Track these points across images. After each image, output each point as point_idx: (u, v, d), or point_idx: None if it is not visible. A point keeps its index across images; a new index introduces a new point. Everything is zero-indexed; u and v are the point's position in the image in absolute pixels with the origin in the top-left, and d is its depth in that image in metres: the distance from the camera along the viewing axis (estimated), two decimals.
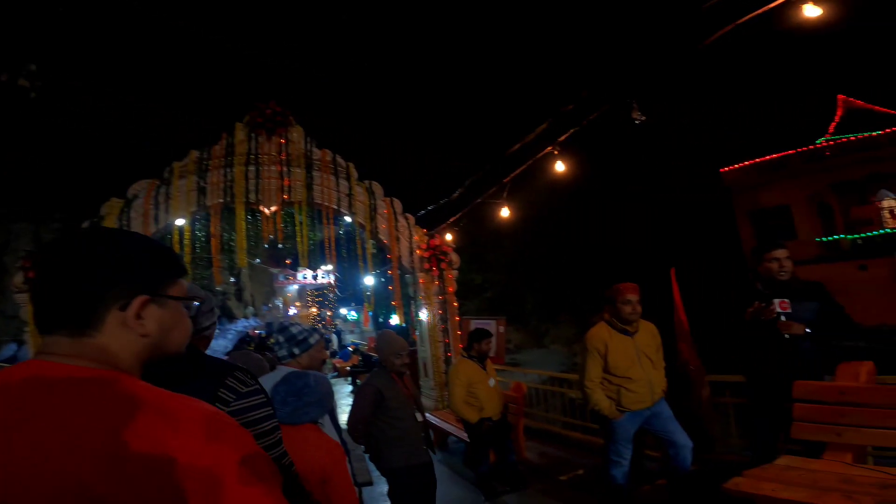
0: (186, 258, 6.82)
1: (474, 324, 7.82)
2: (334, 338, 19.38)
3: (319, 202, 7.27)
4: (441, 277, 7.75)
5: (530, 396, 6.13)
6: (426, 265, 7.64)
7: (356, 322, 30.43)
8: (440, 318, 7.70)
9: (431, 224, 8.12)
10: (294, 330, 2.33)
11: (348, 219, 7.73)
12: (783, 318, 2.93)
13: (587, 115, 5.66)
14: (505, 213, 7.35)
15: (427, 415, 6.25)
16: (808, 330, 2.91)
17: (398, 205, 7.77)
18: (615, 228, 21.23)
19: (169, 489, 0.66)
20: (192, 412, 0.72)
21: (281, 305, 25.29)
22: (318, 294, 29.51)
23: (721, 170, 21.07)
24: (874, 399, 2.69)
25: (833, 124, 20.22)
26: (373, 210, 7.51)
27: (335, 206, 7.35)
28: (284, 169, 7.09)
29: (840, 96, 20.54)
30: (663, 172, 21.98)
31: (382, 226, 7.61)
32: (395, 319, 20.39)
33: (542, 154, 6.30)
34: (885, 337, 13.78)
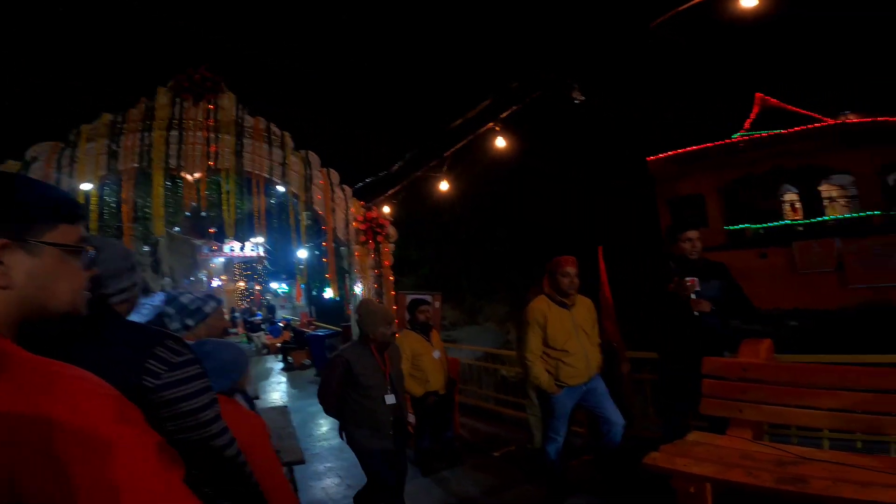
0: (93, 225, 6.25)
1: (408, 298, 7.83)
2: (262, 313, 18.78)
3: (250, 170, 6.90)
4: (377, 251, 7.64)
5: (464, 373, 6.23)
6: (362, 238, 7.50)
7: (287, 296, 29.50)
8: (375, 292, 7.60)
9: (369, 196, 7.95)
10: (185, 299, 2.09)
11: (281, 189, 7.40)
12: (693, 295, 3.12)
13: (530, 94, 5.69)
14: (444, 186, 7.30)
15: None
16: (713, 307, 3.11)
17: (335, 176, 7.55)
18: (549, 207, 21.92)
19: (45, 455, 0.58)
20: (73, 379, 0.63)
21: (205, 279, 23.88)
22: (247, 267, 28.18)
23: (647, 158, 22.27)
24: (772, 376, 2.85)
25: (749, 120, 21.90)
26: (308, 180, 7.22)
27: (267, 175, 7.00)
28: (212, 135, 6.62)
29: (758, 94, 22.22)
30: (596, 156, 22.85)
31: (318, 196, 7.37)
32: (328, 293, 19.96)
33: (483, 130, 6.28)
34: (778, 320, 15.47)
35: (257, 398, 5.10)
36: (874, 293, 16.24)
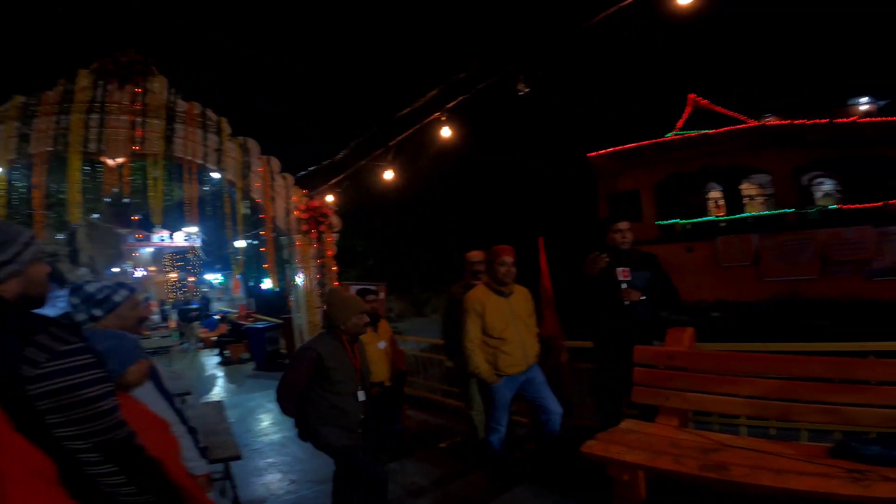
0: (0, 211, 5.71)
1: (354, 289, 7.68)
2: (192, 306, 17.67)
3: (181, 156, 6.49)
4: (320, 240, 7.46)
5: (410, 364, 6.20)
6: (304, 227, 7.29)
7: (224, 287, 28.24)
8: (318, 282, 7.41)
9: (312, 185, 7.72)
10: (91, 288, 1.93)
11: (217, 176, 7.02)
12: (624, 285, 3.23)
13: (477, 84, 5.71)
14: (389, 175, 7.19)
15: None
16: (643, 297, 3.24)
17: (276, 163, 7.28)
18: (495, 198, 22.27)
19: None
20: None
21: (130, 269, 22.28)
22: (180, 258, 26.59)
23: (588, 154, 23.09)
24: (694, 364, 2.97)
25: (681, 120, 23.20)
26: (246, 167, 6.92)
27: (201, 162, 6.62)
28: (138, 119, 6.18)
29: (690, 95, 23.56)
30: (541, 151, 23.43)
31: (256, 184, 7.08)
32: (267, 284, 19.21)
33: (429, 119, 6.23)
34: (703, 311, 16.60)
35: (188, 394, 4.88)
36: (786, 286, 17.78)
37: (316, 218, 7.30)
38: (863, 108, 22.75)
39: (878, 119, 20.15)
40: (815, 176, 21.33)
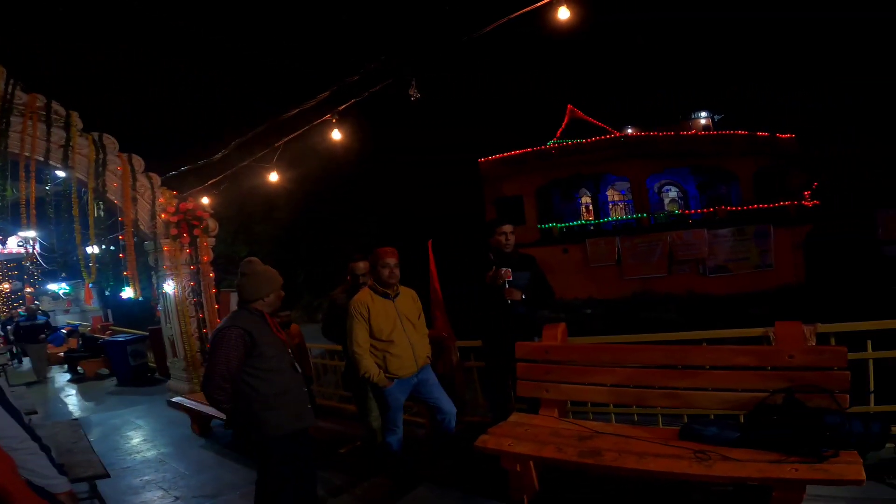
0: None
1: (235, 297, 7.14)
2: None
3: (17, 152, 5.52)
4: (194, 245, 6.80)
5: None
6: (174, 231, 6.60)
7: (71, 298, 24.60)
8: (192, 290, 6.78)
9: (185, 186, 7.01)
10: None
11: (63, 174, 6.08)
12: (507, 285, 3.44)
13: (370, 88, 5.65)
14: (274, 177, 6.81)
15: (184, 399, 5.53)
16: (524, 296, 3.46)
17: (139, 162, 6.51)
18: (385, 204, 22.23)
19: None
20: None
21: None
22: (13, 266, 22.44)
23: (479, 160, 24.14)
24: (566, 356, 3.22)
25: (560, 129, 25.27)
26: (100, 165, 6.08)
27: (41, 158, 5.70)
28: None
29: (570, 106, 25.77)
30: (432, 156, 23.93)
31: (114, 184, 6.27)
32: (127, 292, 17.14)
33: (320, 121, 6.02)
34: (576, 308, 18.24)
35: (34, 413, 4.47)
36: (642, 284, 20.25)
37: (188, 221, 6.67)
38: (702, 121, 26.84)
39: (714, 133, 23.94)
40: (665, 184, 24.67)
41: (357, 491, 3.60)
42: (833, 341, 2.87)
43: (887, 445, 2.58)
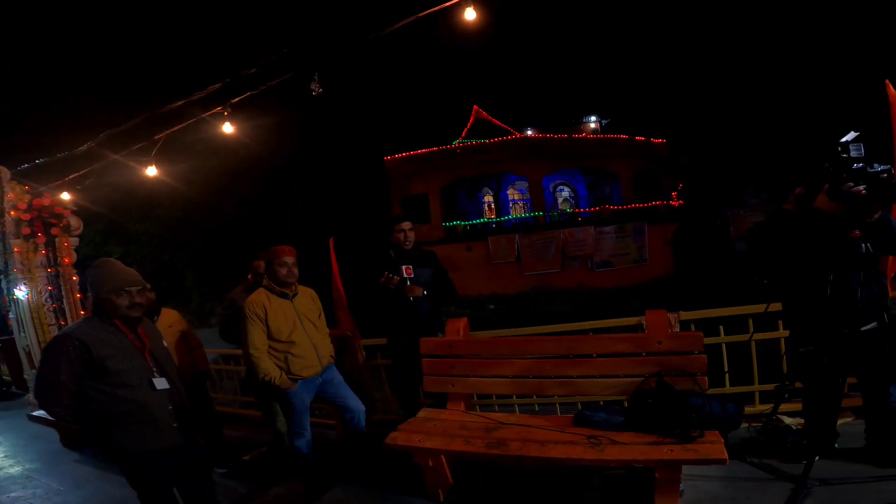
0: None
1: None
2: None
3: None
4: (52, 245, 6.03)
5: None
6: (26, 230, 5.81)
7: None
8: (51, 295, 6.00)
9: (41, 180, 6.14)
10: None
11: None
12: (408, 282, 3.47)
13: (267, 81, 5.34)
14: (152, 172, 6.19)
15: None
16: (425, 292, 3.53)
17: None
18: (282, 200, 21.18)
19: None
20: None
21: None
22: None
23: (385, 158, 23.94)
24: (469, 350, 3.31)
25: (466, 129, 25.88)
26: None
27: None
28: None
29: (475, 107, 26.45)
30: (336, 151, 23.26)
31: None
32: None
33: (209, 114, 5.57)
34: (480, 304, 18.90)
35: None
36: (540, 279, 21.54)
37: (44, 219, 5.88)
38: (592, 125, 29.17)
39: (600, 136, 26.13)
40: (558, 183, 26.45)
41: (267, 497, 3.45)
42: (693, 327, 3.27)
43: (743, 425, 2.96)
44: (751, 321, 3.30)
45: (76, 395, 2.21)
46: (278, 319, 3.21)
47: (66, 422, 2.25)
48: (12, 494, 3.94)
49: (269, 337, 3.19)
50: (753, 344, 3.33)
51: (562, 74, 31.84)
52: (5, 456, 4.93)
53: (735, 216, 24.22)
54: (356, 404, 3.46)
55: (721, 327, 3.39)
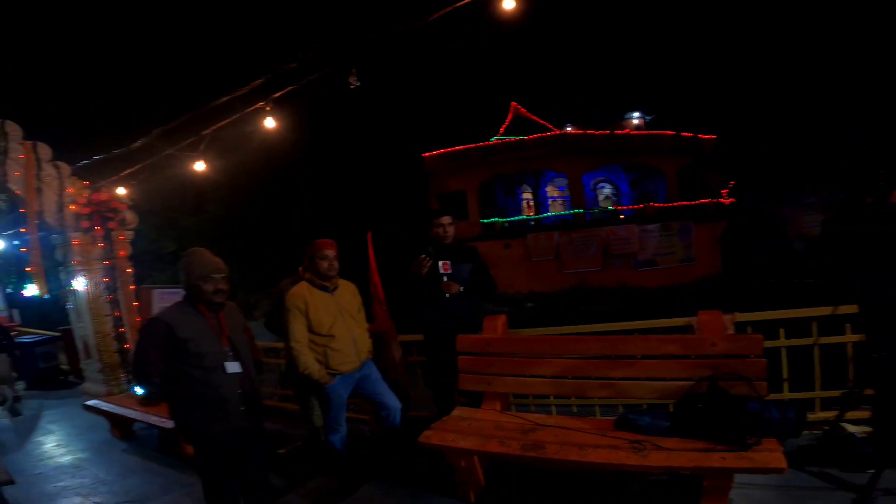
0: None
1: (158, 294, 6.73)
2: None
3: None
4: (108, 239, 6.33)
5: None
6: (85, 224, 6.13)
7: None
8: (107, 287, 6.29)
9: (99, 176, 6.48)
10: None
11: None
12: (445, 278, 3.40)
13: (308, 76, 5.41)
14: (201, 166, 6.40)
15: (101, 402, 5.21)
16: (461, 289, 3.43)
17: (45, 150, 6.01)
18: (325, 196, 21.62)
19: None
20: None
21: None
22: None
23: (423, 154, 24.03)
24: (507, 348, 3.23)
25: (504, 126, 25.60)
26: (1, 154, 5.55)
27: None
28: None
29: (513, 103, 26.11)
30: (375, 148, 23.54)
31: (16, 173, 5.70)
32: (31, 289, 15.74)
33: (252, 108, 5.69)
34: (518, 302, 18.66)
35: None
36: (579, 278, 21.05)
37: (102, 213, 6.20)
38: (635, 122, 28.21)
39: (645, 132, 25.23)
40: (600, 180, 25.76)
41: (300, 491, 3.48)
42: (750, 330, 3.06)
43: (804, 432, 2.75)
44: (814, 325, 3.05)
45: (164, 374, 2.38)
46: (319, 312, 3.21)
47: (155, 398, 2.50)
48: (60, 484, 4.08)
49: (310, 330, 3.20)
50: (817, 349, 3.08)
51: (604, 70, 30.96)
52: (57, 445, 5.14)
53: (793, 214, 22.91)
54: (392, 401, 3.44)
55: (781, 330, 3.14)
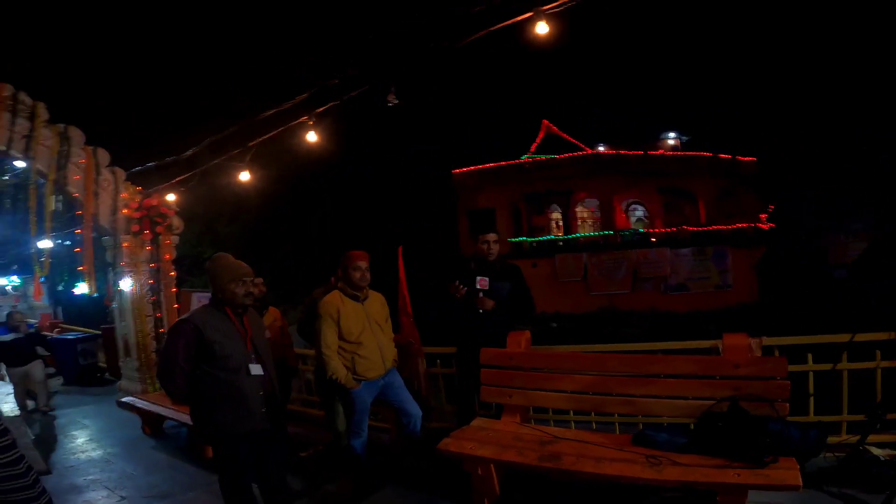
0: None
1: (196, 297, 7.02)
2: None
3: None
4: (155, 242, 6.66)
5: None
6: (135, 227, 6.47)
7: (20, 294, 23.56)
8: (151, 288, 6.60)
9: (151, 182, 6.86)
10: None
11: (22, 165, 5.91)
12: (481, 294, 3.49)
13: (349, 92, 5.67)
14: (245, 176, 6.72)
15: (135, 399, 5.42)
16: (498, 306, 3.52)
17: (104, 156, 6.38)
18: (356, 209, 22.09)
19: None
20: None
21: None
22: None
23: (453, 171, 24.28)
24: (529, 363, 3.30)
25: (535, 144, 25.66)
26: (64, 157, 5.94)
27: (3, 148, 5.56)
28: None
29: (545, 121, 26.17)
30: (406, 164, 23.95)
31: (76, 177, 6.09)
32: (80, 289, 16.54)
33: (296, 123, 5.99)
34: (543, 322, 18.47)
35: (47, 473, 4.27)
36: (607, 300, 20.70)
37: (151, 218, 6.54)
38: (670, 142, 27.74)
39: (680, 153, 24.81)
40: (632, 202, 25.39)
41: (318, 494, 3.59)
42: (777, 353, 3.04)
43: (826, 455, 2.74)
44: (844, 351, 3.00)
45: (189, 376, 2.46)
46: (349, 320, 3.35)
47: (177, 401, 2.54)
48: (90, 477, 4.26)
49: (340, 337, 3.34)
50: (846, 374, 3.05)
51: (638, 89, 30.69)
52: (90, 440, 5.34)
53: (835, 241, 22.03)
54: (414, 409, 3.53)
55: (810, 355, 3.11)
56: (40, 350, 6.79)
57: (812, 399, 3.10)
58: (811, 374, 3.12)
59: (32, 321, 7.19)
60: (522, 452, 2.72)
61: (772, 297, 20.06)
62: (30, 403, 6.70)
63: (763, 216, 23.62)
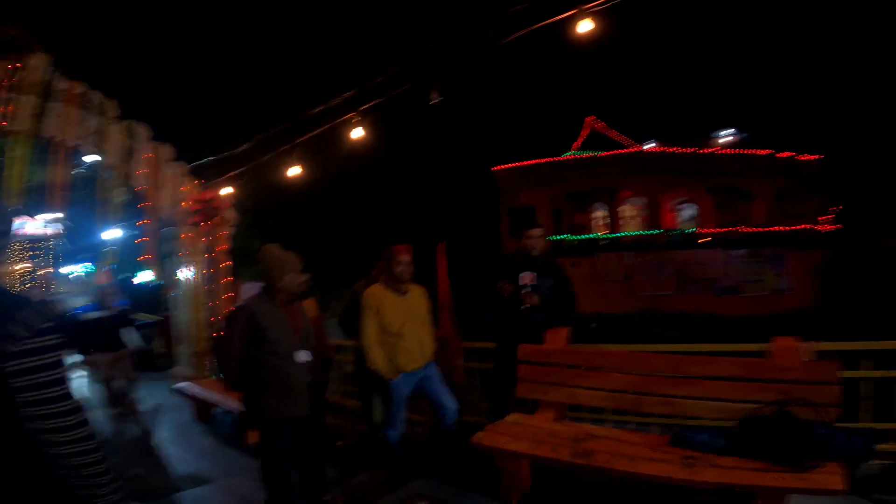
0: None
1: (247, 287, 7.33)
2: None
3: (53, 136, 5.77)
4: (211, 234, 6.98)
5: None
6: (194, 219, 6.79)
7: (85, 282, 25.07)
8: (206, 278, 6.91)
9: (208, 176, 7.23)
10: None
11: (90, 159, 6.34)
12: (524, 290, 3.50)
13: (393, 90, 5.79)
14: (294, 171, 6.97)
15: (188, 385, 5.66)
16: (543, 303, 3.53)
17: (168, 151, 6.75)
18: (400, 205, 22.37)
19: None
20: None
21: None
22: (29, 246, 22.98)
23: (493, 168, 24.14)
24: (567, 360, 3.30)
25: (578, 142, 25.13)
26: (130, 153, 6.31)
27: (75, 143, 5.95)
28: (13, 95, 5.39)
29: (589, 118, 25.56)
30: (449, 161, 24.03)
31: (142, 171, 6.48)
32: (141, 278, 17.47)
33: (342, 120, 6.18)
34: (583, 322, 18.05)
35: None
36: (651, 301, 20.04)
37: (209, 210, 6.86)
38: (728, 139, 26.41)
39: (735, 151, 23.60)
40: (681, 201, 24.42)
41: (353, 482, 3.70)
42: (832, 359, 2.91)
43: (874, 461, 2.62)
44: None
45: (242, 361, 2.62)
46: (391, 313, 3.44)
47: (231, 384, 2.68)
48: (145, 459, 4.41)
49: (381, 329, 3.44)
50: None
51: (694, 85, 29.37)
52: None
53: None
54: (450, 402, 3.59)
55: (862, 361, 2.96)
56: (131, 335, 5.35)
57: (861, 405, 2.96)
58: (862, 380, 2.98)
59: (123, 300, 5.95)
60: (556, 448, 2.72)
61: (833, 302, 18.86)
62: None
63: (825, 217, 22.17)
